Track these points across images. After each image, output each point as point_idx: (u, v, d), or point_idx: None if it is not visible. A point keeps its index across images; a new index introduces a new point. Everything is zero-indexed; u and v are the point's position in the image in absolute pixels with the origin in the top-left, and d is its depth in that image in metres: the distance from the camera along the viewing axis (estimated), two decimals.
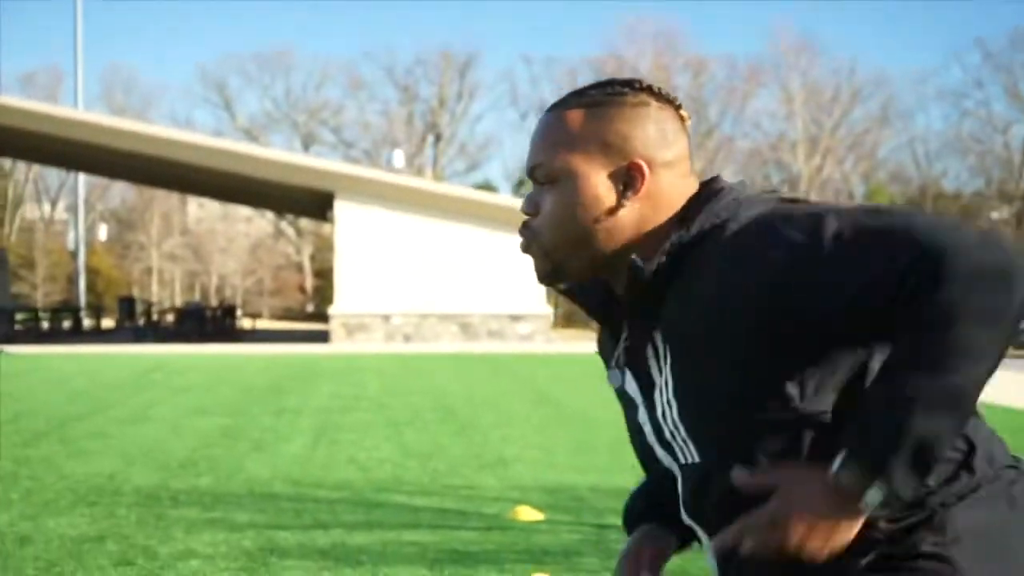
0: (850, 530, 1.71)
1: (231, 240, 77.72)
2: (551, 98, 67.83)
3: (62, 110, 36.39)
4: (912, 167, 64.60)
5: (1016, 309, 1.65)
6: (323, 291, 63.06)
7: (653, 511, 2.18)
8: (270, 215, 78.83)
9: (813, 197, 1.93)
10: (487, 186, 67.74)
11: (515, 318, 33.44)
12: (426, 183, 41.50)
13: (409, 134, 73.74)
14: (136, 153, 33.87)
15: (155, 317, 40.82)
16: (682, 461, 1.94)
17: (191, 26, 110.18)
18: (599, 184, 1.91)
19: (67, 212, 72.03)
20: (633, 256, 1.89)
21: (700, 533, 2.00)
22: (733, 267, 1.80)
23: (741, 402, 1.81)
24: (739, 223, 1.84)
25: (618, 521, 6.43)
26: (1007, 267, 1.65)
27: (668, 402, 1.91)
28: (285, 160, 36.01)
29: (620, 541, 7.09)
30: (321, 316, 50.58)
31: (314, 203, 37.75)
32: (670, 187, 1.93)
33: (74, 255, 55.10)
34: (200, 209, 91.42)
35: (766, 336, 1.77)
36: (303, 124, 77.62)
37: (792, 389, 1.79)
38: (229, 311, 42.66)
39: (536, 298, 33.72)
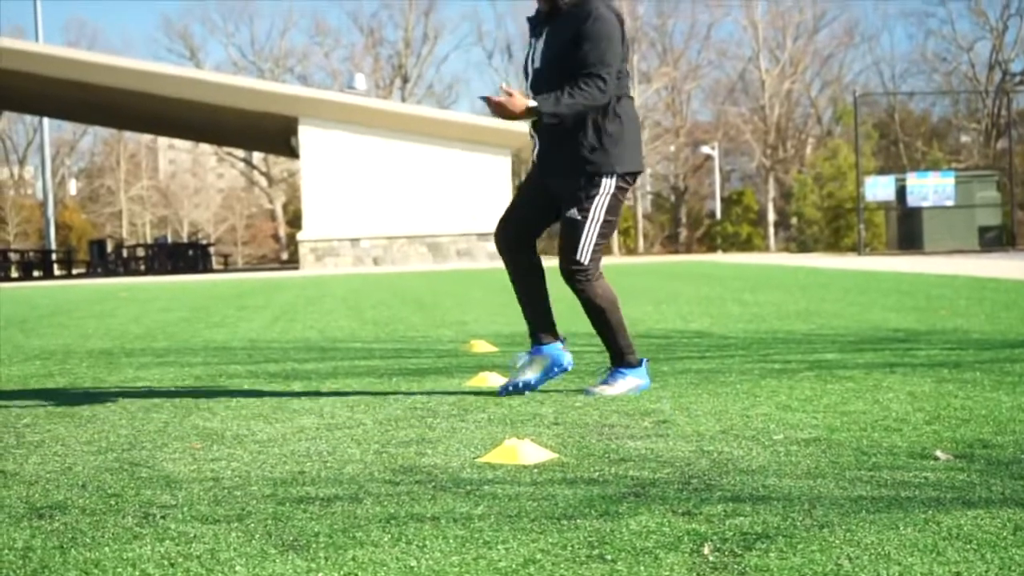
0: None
1: (200, 190, 76.99)
2: (517, 36, 67.45)
3: (27, 44, 35.92)
4: (879, 89, 64.29)
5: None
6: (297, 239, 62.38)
7: None
8: (240, 165, 78.33)
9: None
10: None
11: (484, 237, 33.15)
12: (390, 104, 41.17)
13: (376, 79, 73.24)
14: (101, 86, 33.54)
15: (125, 254, 40.51)
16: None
17: None
18: None
19: (34, 168, 71.43)
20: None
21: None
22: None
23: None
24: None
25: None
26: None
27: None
28: (250, 86, 35.75)
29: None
30: (296, 263, 50.41)
31: (279, 132, 37.49)
32: None
33: (43, 205, 54.64)
34: (170, 164, 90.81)
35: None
36: (269, 72, 76.93)
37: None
38: (203, 248, 42.41)
39: None
